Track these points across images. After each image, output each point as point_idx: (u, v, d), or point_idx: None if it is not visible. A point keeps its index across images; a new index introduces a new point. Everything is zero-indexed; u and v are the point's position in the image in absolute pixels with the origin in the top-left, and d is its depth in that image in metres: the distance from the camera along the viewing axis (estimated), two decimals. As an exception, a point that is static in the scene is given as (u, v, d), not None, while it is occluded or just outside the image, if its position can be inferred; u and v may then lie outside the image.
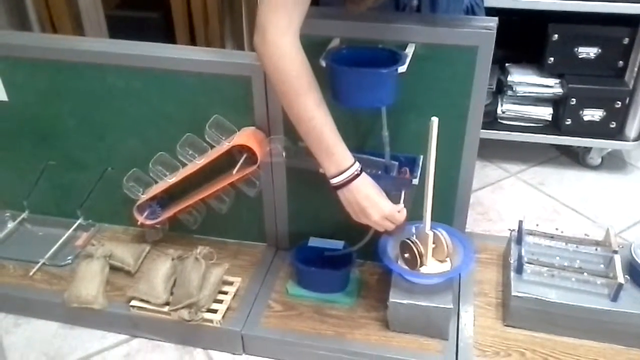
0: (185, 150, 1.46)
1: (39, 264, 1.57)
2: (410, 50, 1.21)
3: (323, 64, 1.17)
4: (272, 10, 1.07)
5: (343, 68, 1.15)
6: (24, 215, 1.73)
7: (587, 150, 2.08)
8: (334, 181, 1.19)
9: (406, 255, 1.34)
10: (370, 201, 1.20)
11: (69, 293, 1.45)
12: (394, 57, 1.17)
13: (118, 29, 2.43)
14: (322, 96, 1.14)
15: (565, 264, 1.36)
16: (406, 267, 1.34)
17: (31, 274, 1.55)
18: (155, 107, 1.47)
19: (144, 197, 1.53)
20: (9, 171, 1.69)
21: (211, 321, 1.39)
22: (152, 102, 1.46)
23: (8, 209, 1.75)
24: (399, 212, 1.24)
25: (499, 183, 2.05)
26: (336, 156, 1.17)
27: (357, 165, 1.19)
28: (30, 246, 1.64)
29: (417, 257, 1.31)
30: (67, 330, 1.49)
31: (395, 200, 1.33)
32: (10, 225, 1.72)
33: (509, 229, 1.51)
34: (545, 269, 1.36)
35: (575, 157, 2.14)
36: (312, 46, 1.22)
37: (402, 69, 1.14)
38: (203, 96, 1.42)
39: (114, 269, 1.54)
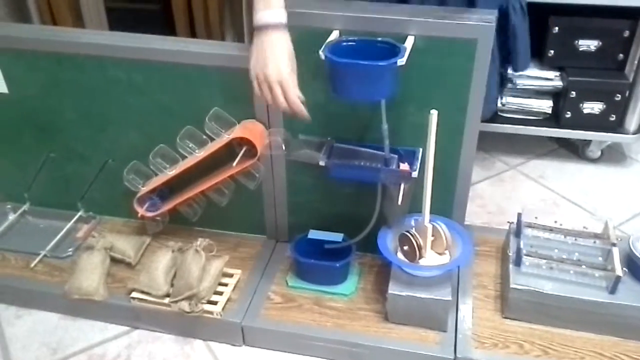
0: (185, 142, 1.46)
1: (40, 256, 1.58)
2: (409, 43, 1.21)
3: (322, 56, 1.17)
4: None
5: (342, 61, 1.15)
6: (25, 207, 1.74)
7: (587, 143, 2.08)
8: (255, 19, 1.16)
9: (405, 247, 1.35)
10: (276, 58, 1.15)
11: (70, 285, 1.46)
12: (394, 50, 1.17)
13: (118, 21, 2.43)
14: None
15: (564, 256, 1.37)
16: (405, 260, 1.35)
17: (32, 265, 1.56)
18: (155, 99, 1.47)
19: (144, 190, 1.54)
20: (9, 163, 1.69)
21: (211, 313, 1.40)
22: (152, 94, 1.46)
23: (9, 201, 1.76)
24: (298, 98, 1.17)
25: (498, 176, 2.05)
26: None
27: (283, 14, 1.16)
28: (31, 238, 1.65)
29: (416, 249, 1.32)
30: (68, 321, 1.50)
31: (394, 193, 1.34)
32: (12, 217, 1.73)
33: (508, 222, 1.51)
34: (544, 261, 1.36)
35: (575, 150, 2.14)
36: (312, 39, 1.22)
37: (401, 61, 1.14)
38: (203, 88, 1.42)
39: (114, 261, 1.55)
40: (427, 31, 1.23)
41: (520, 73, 1.96)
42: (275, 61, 1.15)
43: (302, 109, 1.19)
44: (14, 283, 1.53)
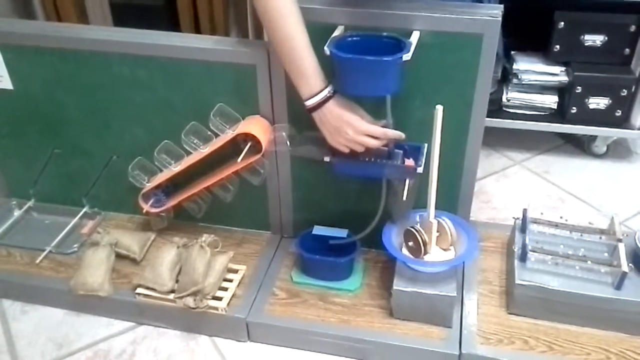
0: (190, 138, 1.46)
1: (46, 252, 1.59)
2: (415, 38, 1.20)
3: (327, 52, 1.16)
4: None
5: (347, 56, 1.15)
6: (30, 203, 1.74)
7: (593, 138, 2.07)
8: (308, 103, 1.21)
9: (410, 243, 1.35)
10: (343, 120, 1.21)
11: (75, 280, 1.46)
12: (399, 45, 1.17)
13: (122, 17, 2.43)
14: (303, 21, 1.18)
15: (570, 252, 1.36)
16: (410, 255, 1.35)
17: (38, 261, 1.57)
18: (160, 95, 1.47)
19: (149, 186, 1.54)
20: (14, 160, 1.70)
21: (216, 309, 1.40)
22: (157, 90, 1.46)
23: (14, 198, 1.76)
24: (382, 128, 1.24)
25: (503, 171, 2.04)
26: (310, 77, 1.19)
27: (330, 88, 1.20)
28: (36, 234, 1.66)
29: (421, 245, 1.32)
30: (73, 317, 1.50)
31: (399, 189, 1.33)
32: (17, 213, 1.73)
33: (513, 217, 1.51)
34: (549, 257, 1.36)
35: (581, 146, 2.13)
36: (317, 34, 1.21)
37: (406, 56, 1.13)
38: (207, 84, 1.42)
39: (119, 256, 1.55)
40: (432, 26, 1.23)
41: (526, 68, 1.96)
42: (345, 125, 1.21)
43: (395, 133, 1.26)
44: (19, 279, 1.54)
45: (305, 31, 1.18)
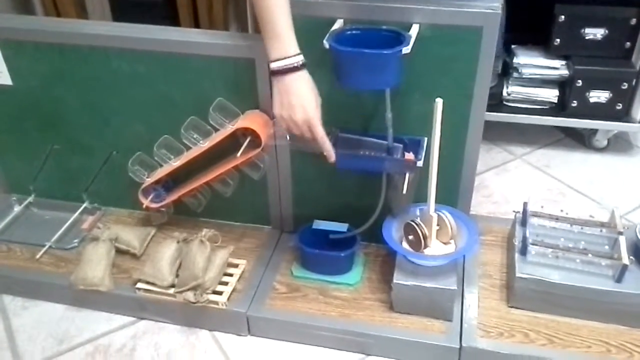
0: (189, 133, 1.46)
1: (46, 247, 1.59)
2: (414, 31, 1.20)
3: (326, 45, 1.16)
4: None
5: (346, 50, 1.15)
6: (30, 199, 1.74)
7: (593, 132, 2.07)
8: (273, 65, 1.16)
9: (410, 237, 1.35)
10: (302, 99, 1.17)
11: (76, 276, 1.46)
12: (398, 38, 1.17)
13: (121, 12, 2.43)
14: None
15: (570, 245, 1.36)
16: (410, 249, 1.35)
17: (38, 257, 1.57)
18: (159, 90, 1.46)
19: (148, 181, 1.54)
20: (14, 155, 1.70)
21: (216, 303, 1.40)
22: (156, 85, 1.46)
23: (14, 193, 1.77)
24: (324, 133, 1.21)
25: (504, 165, 2.04)
26: (282, 40, 1.14)
27: (301, 57, 1.16)
28: (36, 230, 1.66)
29: (421, 239, 1.32)
30: (74, 312, 1.50)
31: (399, 183, 1.33)
32: (17, 209, 1.73)
33: (514, 211, 1.51)
34: (550, 250, 1.36)
35: (581, 139, 2.13)
36: (316, 28, 1.21)
37: (406, 50, 1.13)
38: (207, 79, 1.41)
39: (119, 251, 1.55)
40: (432, 19, 1.22)
41: (526, 62, 1.96)
42: (300, 103, 1.17)
43: (329, 147, 1.23)
44: (20, 274, 1.54)
45: None
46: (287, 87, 1.17)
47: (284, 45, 1.15)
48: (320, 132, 1.20)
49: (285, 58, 1.15)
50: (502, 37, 1.91)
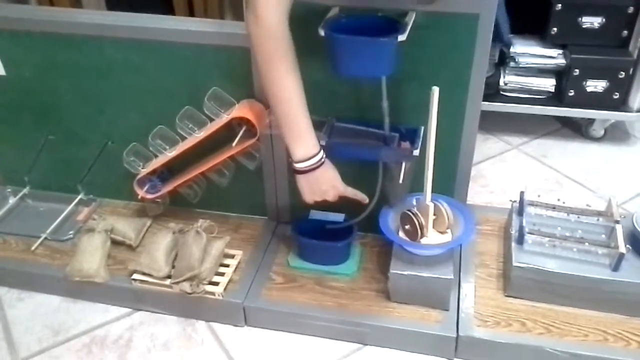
0: (184, 123, 1.45)
1: (41, 239, 1.58)
2: (410, 19, 1.19)
3: (322, 33, 1.15)
4: None
5: (342, 37, 1.13)
6: (25, 190, 1.74)
7: (590, 121, 2.07)
8: (298, 166, 1.21)
9: (407, 226, 1.34)
10: (331, 184, 1.25)
11: (71, 267, 1.46)
12: (394, 26, 1.15)
13: (115, 1, 2.41)
14: (301, 78, 1.16)
15: (567, 234, 1.36)
16: (407, 239, 1.34)
17: (33, 248, 1.56)
18: (154, 79, 1.45)
19: (144, 171, 1.53)
20: (9, 147, 1.69)
21: (213, 294, 1.39)
22: (151, 74, 1.45)
23: (9, 185, 1.76)
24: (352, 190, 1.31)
25: (501, 155, 2.04)
26: (306, 142, 1.19)
27: (322, 153, 1.22)
28: (31, 221, 1.65)
29: (418, 228, 1.31)
30: (70, 304, 1.50)
31: (395, 172, 1.33)
32: (12, 200, 1.72)
33: (511, 200, 1.50)
34: (547, 239, 1.35)
35: (578, 129, 2.13)
36: (311, 15, 1.20)
37: (402, 37, 1.12)
38: (201, 68, 1.40)
39: (115, 243, 1.54)
40: (428, 6, 1.21)
41: (523, 51, 1.95)
42: (330, 185, 1.26)
43: (362, 196, 1.32)
44: (15, 266, 1.53)
45: (303, 93, 1.17)
46: (315, 179, 1.23)
47: (307, 146, 1.20)
48: (352, 194, 1.30)
49: (310, 158, 1.20)
50: (508, 26, 1.90)
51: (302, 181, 1.24)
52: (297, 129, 1.18)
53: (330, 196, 1.27)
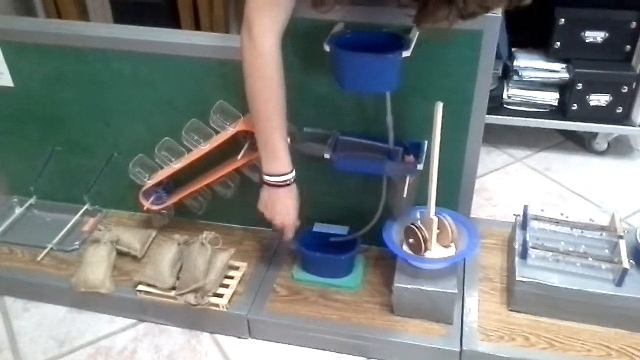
0: (190, 136, 1.46)
1: (47, 250, 1.59)
2: (414, 35, 1.20)
3: (327, 48, 1.16)
4: (258, 9, 1.13)
5: (347, 53, 1.15)
6: (32, 201, 1.75)
7: (594, 135, 2.07)
8: (268, 179, 1.28)
9: (411, 240, 1.35)
10: (285, 209, 1.31)
11: (77, 278, 1.47)
12: (399, 42, 1.17)
13: (123, 14, 2.43)
14: (285, 100, 1.21)
15: (571, 249, 1.36)
16: (411, 253, 1.35)
17: (39, 259, 1.57)
18: (161, 92, 1.47)
19: (150, 183, 1.54)
20: (16, 157, 1.70)
21: (218, 306, 1.40)
22: (157, 87, 1.46)
23: (16, 195, 1.77)
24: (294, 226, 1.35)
25: (504, 169, 2.04)
26: (280, 161, 1.25)
27: (293, 175, 1.28)
28: (38, 232, 1.66)
29: (422, 242, 1.32)
30: (75, 314, 1.51)
31: (400, 186, 1.33)
32: (18, 211, 1.74)
33: (514, 215, 1.51)
34: (550, 254, 1.36)
35: (582, 143, 2.13)
36: (316, 31, 1.22)
37: (406, 53, 1.13)
38: (208, 81, 1.42)
39: (121, 254, 1.55)
40: (432, 23, 1.22)
41: (527, 65, 1.96)
42: (283, 213, 1.31)
43: (290, 238, 1.37)
44: (21, 277, 1.54)
45: (285, 113, 1.22)
46: (276, 197, 1.29)
47: (281, 165, 1.25)
48: (290, 236, 1.36)
49: (280, 175, 1.26)
50: (508, 41, 1.92)
51: (264, 192, 1.31)
52: (271, 147, 1.24)
53: (279, 220, 1.32)
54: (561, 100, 1.99)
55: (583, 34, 1.87)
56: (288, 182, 1.28)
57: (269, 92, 1.19)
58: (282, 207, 1.31)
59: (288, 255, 1.56)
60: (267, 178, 1.28)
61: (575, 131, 2.09)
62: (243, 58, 1.18)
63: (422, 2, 1.04)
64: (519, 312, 1.37)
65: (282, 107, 1.21)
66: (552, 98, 1.99)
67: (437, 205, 1.32)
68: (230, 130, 1.40)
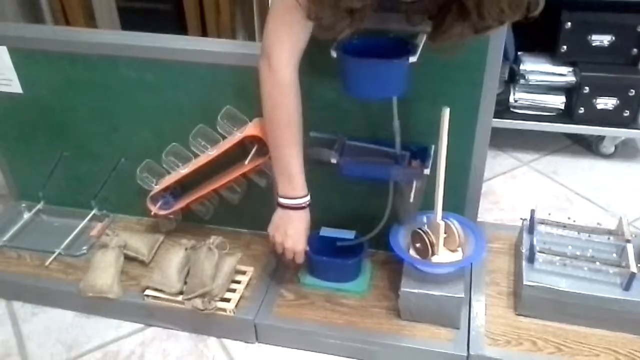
0: (197, 141, 1.47)
1: (55, 254, 1.60)
2: (421, 40, 1.20)
3: (334, 54, 1.16)
4: (276, 40, 1.15)
5: (354, 59, 1.15)
6: (40, 206, 1.76)
7: (600, 139, 2.07)
8: (282, 201, 1.29)
9: (417, 244, 1.35)
10: (296, 233, 1.31)
11: (84, 282, 1.47)
12: (406, 47, 1.17)
13: (130, 20, 2.44)
14: (301, 127, 1.24)
15: (578, 253, 1.36)
16: (417, 257, 1.35)
17: (47, 263, 1.58)
18: (168, 98, 1.48)
19: (157, 188, 1.55)
20: (24, 163, 1.71)
21: (224, 310, 1.40)
22: (165, 93, 1.47)
23: (24, 200, 1.78)
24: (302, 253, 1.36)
25: (511, 172, 2.04)
26: (295, 184, 1.27)
27: (308, 199, 1.30)
28: (46, 236, 1.67)
29: (429, 246, 1.32)
30: (83, 319, 1.51)
31: (406, 191, 1.33)
32: (26, 216, 1.75)
33: (521, 218, 1.51)
34: (558, 258, 1.35)
35: (588, 146, 2.13)
36: (323, 36, 1.21)
37: (413, 59, 1.13)
38: (215, 87, 1.42)
39: (128, 258, 1.56)
40: (438, 28, 1.22)
41: (533, 69, 1.96)
42: (294, 237, 1.32)
43: (300, 262, 1.38)
44: (29, 281, 1.55)
45: (301, 141, 1.25)
46: (289, 219, 1.30)
47: (296, 188, 1.27)
48: (300, 261, 1.37)
49: (295, 198, 1.28)
50: (515, 44, 1.92)
51: (277, 214, 1.32)
52: (287, 173, 1.26)
53: (289, 244, 1.32)
54: (567, 104, 1.99)
55: (589, 37, 1.87)
56: (303, 205, 1.29)
57: (288, 120, 1.22)
58: (294, 231, 1.31)
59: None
60: (281, 200, 1.29)
61: (581, 134, 2.09)
62: (262, 87, 1.20)
63: (438, 19, 1.05)
64: (526, 316, 1.37)
65: (299, 133, 1.24)
66: (558, 101, 1.99)
67: (443, 209, 1.32)
68: (238, 136, 1.41)
